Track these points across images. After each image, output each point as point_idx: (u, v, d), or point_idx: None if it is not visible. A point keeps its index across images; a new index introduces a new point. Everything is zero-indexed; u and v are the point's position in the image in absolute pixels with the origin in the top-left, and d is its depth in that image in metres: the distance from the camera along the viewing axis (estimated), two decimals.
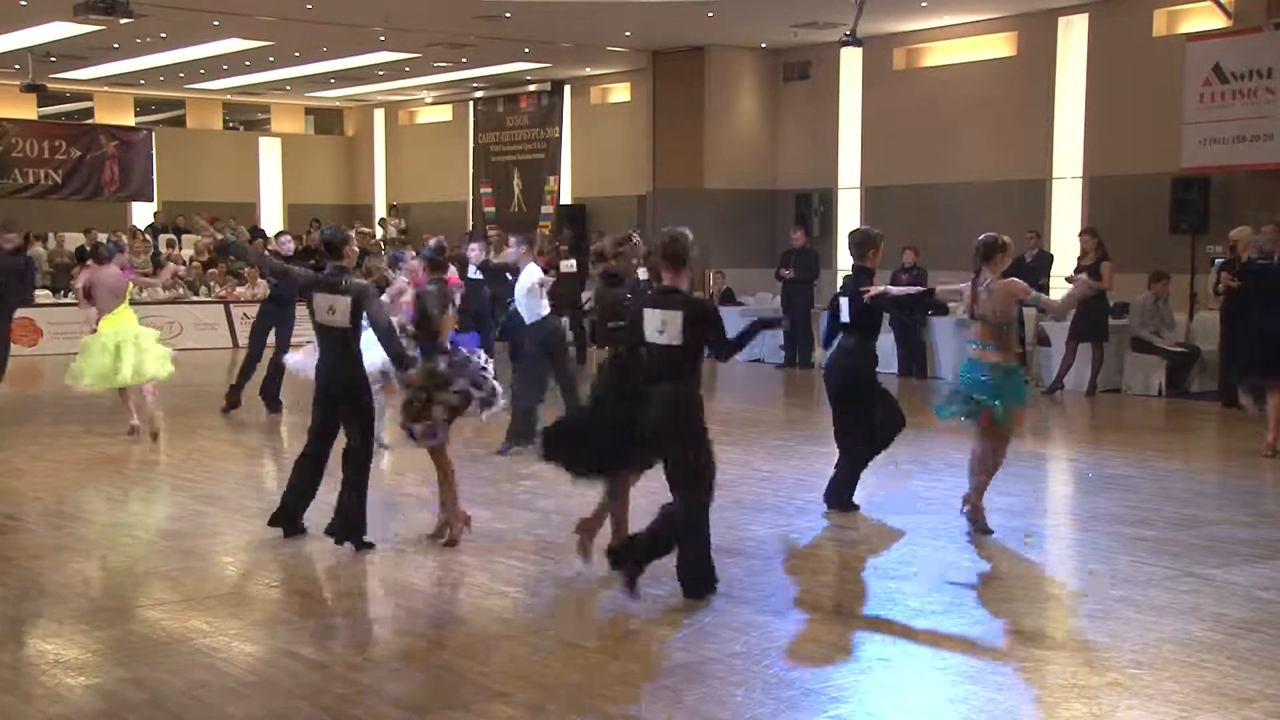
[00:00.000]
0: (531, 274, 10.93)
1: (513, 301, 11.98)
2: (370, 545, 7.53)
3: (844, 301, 8.61)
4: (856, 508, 8.68)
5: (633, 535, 6.62)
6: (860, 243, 8.55)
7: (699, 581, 6.54)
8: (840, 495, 8.71)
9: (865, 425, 8.58)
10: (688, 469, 6.40)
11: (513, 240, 11.98)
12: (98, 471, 10.34)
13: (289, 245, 14.00)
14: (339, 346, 7.52)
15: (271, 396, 13.33)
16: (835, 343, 8.78)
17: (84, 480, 10.04)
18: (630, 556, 6.40)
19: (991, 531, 7.97)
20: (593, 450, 6.81)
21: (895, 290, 8.76)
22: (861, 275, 8.54)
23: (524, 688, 5.27)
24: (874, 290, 8.31)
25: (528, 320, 10.95)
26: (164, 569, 7.22)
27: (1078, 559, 7.76)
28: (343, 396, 7.55)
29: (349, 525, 7.51)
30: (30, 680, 5.38)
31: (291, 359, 12.11)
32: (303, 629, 6.14)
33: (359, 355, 7.63)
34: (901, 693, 5.32)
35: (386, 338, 7.47)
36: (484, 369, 7.78)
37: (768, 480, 9.83)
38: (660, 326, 6.44)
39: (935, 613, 6.45)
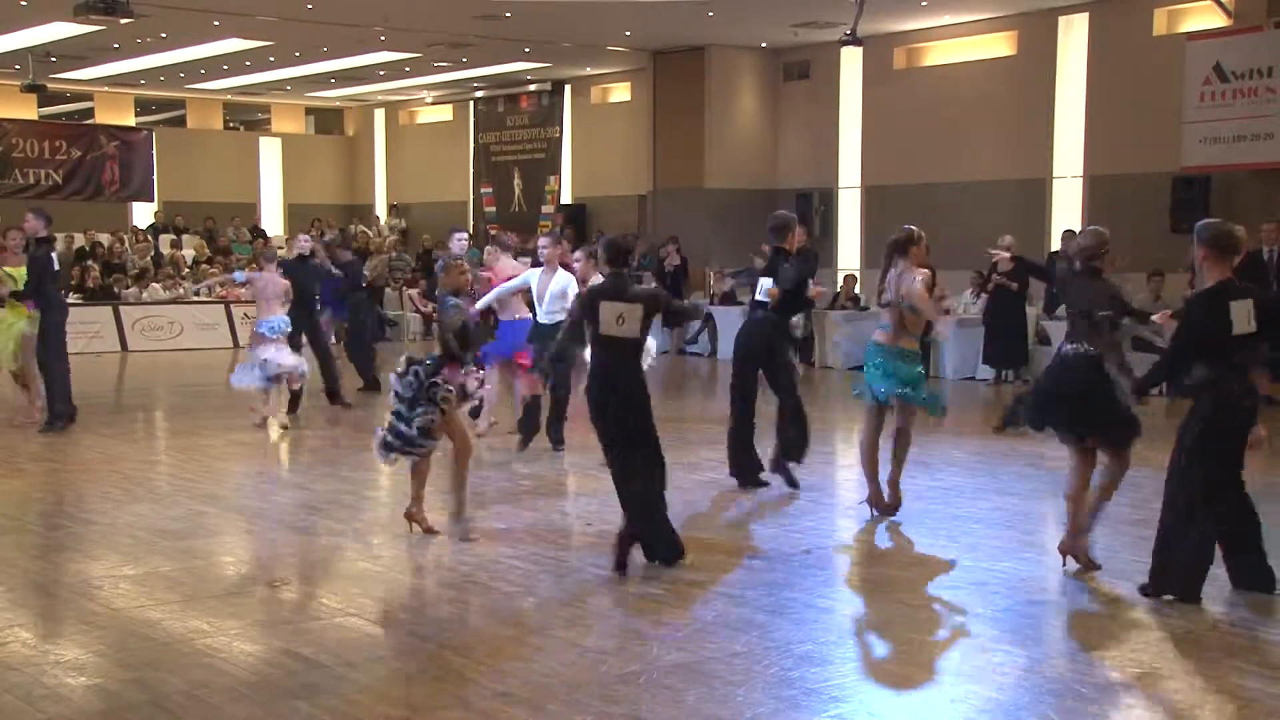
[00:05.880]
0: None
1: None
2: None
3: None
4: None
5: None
6: (778, 227, 9.42)
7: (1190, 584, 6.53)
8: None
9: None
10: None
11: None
12: (98, 471, 10.34)
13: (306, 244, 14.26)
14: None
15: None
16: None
17: (84, 480, 10.04)
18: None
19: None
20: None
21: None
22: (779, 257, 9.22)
23: (524, 688, 5.27)
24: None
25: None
26: (164, 569, 7.21)
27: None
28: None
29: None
30: (30, 680, 5.38)
31: (235, 378, 12.42)
32: (303, 629, 6.14)
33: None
34: (901, 693, 5.32)
35: None
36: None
37: (767, 479, 9.81)
38: (1247, 319, 6.42)
39: (935, 612, 6.44)
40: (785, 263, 9.23)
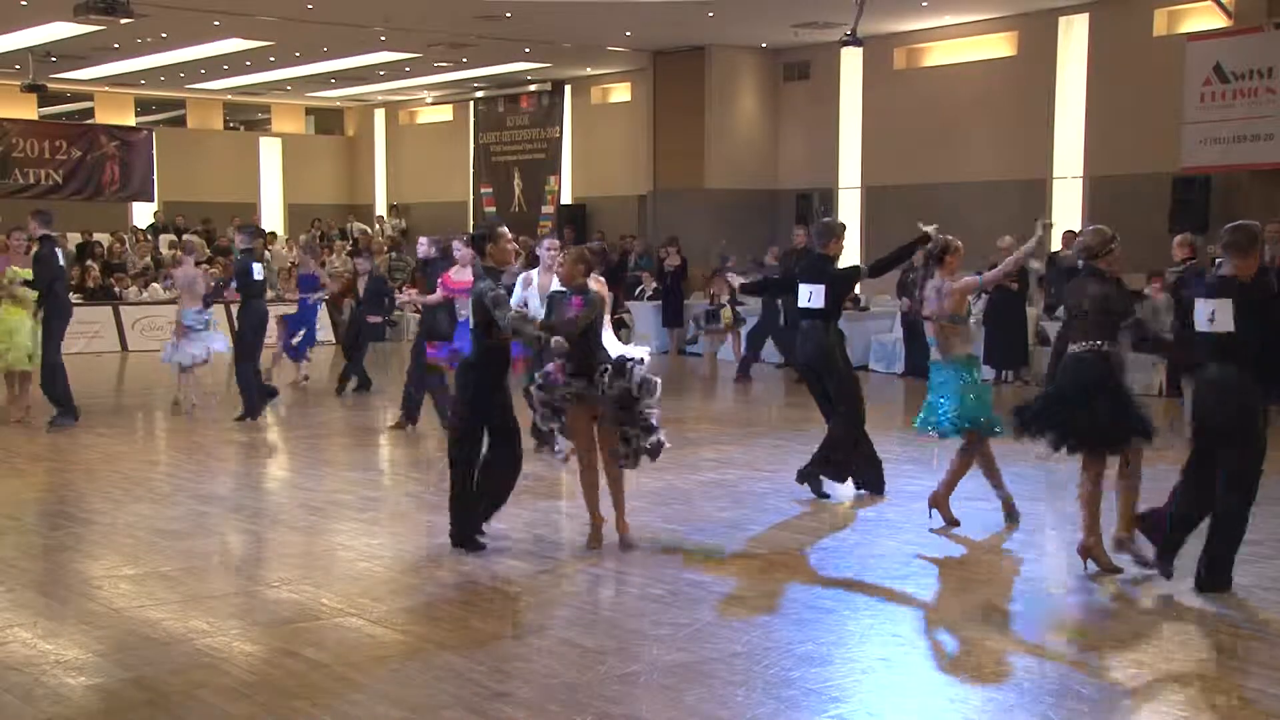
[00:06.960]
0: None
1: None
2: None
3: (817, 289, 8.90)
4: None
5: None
6: (821, 232, 9.16)
7: (1215, 577, 6.56)
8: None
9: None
10: (1237, 467, 6.47)
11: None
12: (98, 471, 10.34)
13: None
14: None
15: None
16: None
17: (84, 480, 10.04)
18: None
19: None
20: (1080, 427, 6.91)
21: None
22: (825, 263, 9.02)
23: (524, 688, 5.27)
24: None
25: None
26: (164, 569, 7.22)
27: (1079, 560, 7.75)
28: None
29: None
30: (30, 680, 5.38)
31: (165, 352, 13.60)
32: (303, 629, 6.14)
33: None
34: (901, 693, 5.32)
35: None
36: None
37: (768, 480, 9.82)
38: (1210, 315, 6.43)
39: (935, 612, 6.45)
40: (830, 267, 9.05)
